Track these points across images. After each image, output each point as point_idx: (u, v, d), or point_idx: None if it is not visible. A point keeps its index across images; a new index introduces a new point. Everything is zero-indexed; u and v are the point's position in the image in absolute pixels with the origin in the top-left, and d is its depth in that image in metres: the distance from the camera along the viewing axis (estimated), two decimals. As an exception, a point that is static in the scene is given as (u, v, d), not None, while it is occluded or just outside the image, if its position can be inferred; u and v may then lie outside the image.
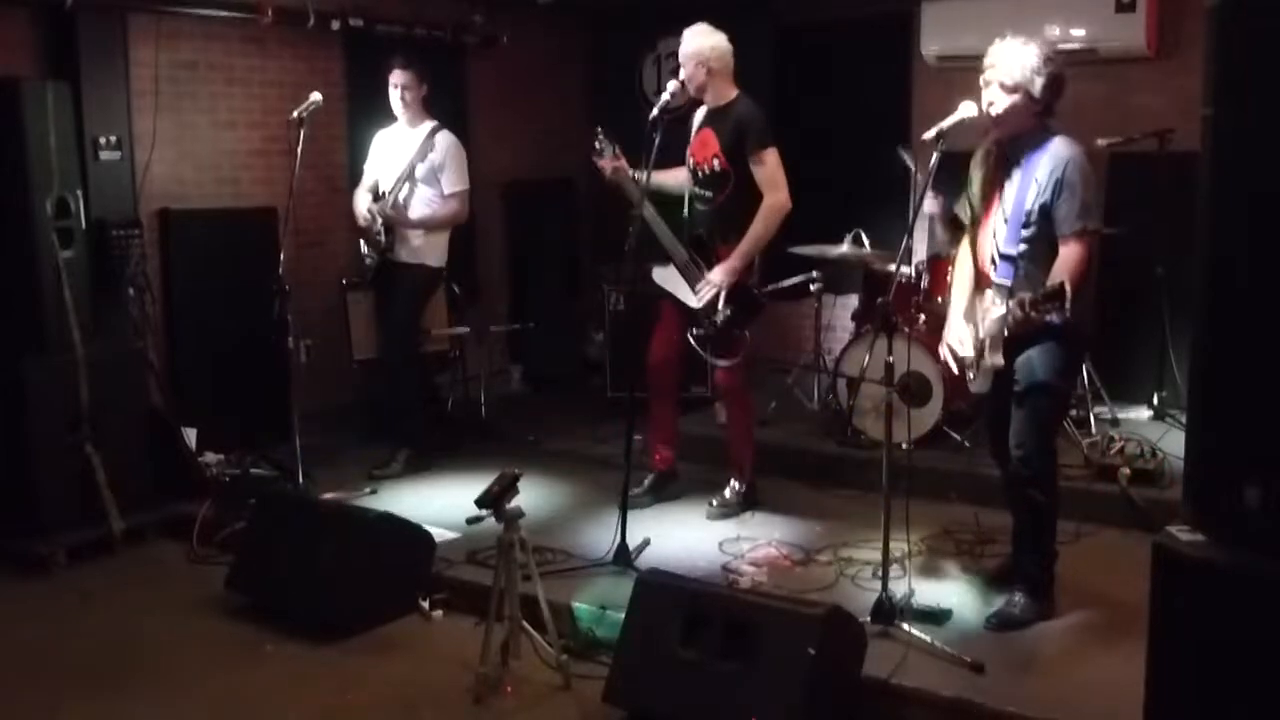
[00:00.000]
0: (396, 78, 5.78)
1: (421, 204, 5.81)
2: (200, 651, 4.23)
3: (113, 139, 5.76)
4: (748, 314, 4.98)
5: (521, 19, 7.72)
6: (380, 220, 5.80)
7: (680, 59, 4.97)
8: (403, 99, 5.80)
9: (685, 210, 5.16)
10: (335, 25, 6.62)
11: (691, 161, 5.10)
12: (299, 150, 5.41)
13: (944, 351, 4.09)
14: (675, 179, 5.19)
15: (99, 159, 5.69)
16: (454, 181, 5.81)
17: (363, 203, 5.92)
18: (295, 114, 5.45)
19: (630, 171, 5.04)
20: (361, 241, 6.00)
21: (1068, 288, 3.48)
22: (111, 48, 5.80)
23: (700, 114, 5.12)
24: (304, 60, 6.68)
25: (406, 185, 5.78)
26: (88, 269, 5.32)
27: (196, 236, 6.21)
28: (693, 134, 5.11)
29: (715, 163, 4.97)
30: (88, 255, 5.33)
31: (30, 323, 5.10)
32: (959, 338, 4.01)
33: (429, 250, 5.86)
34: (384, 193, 5.81)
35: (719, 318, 4.91)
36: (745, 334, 4.98)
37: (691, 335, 4.99)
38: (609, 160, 5.09)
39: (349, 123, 6.88)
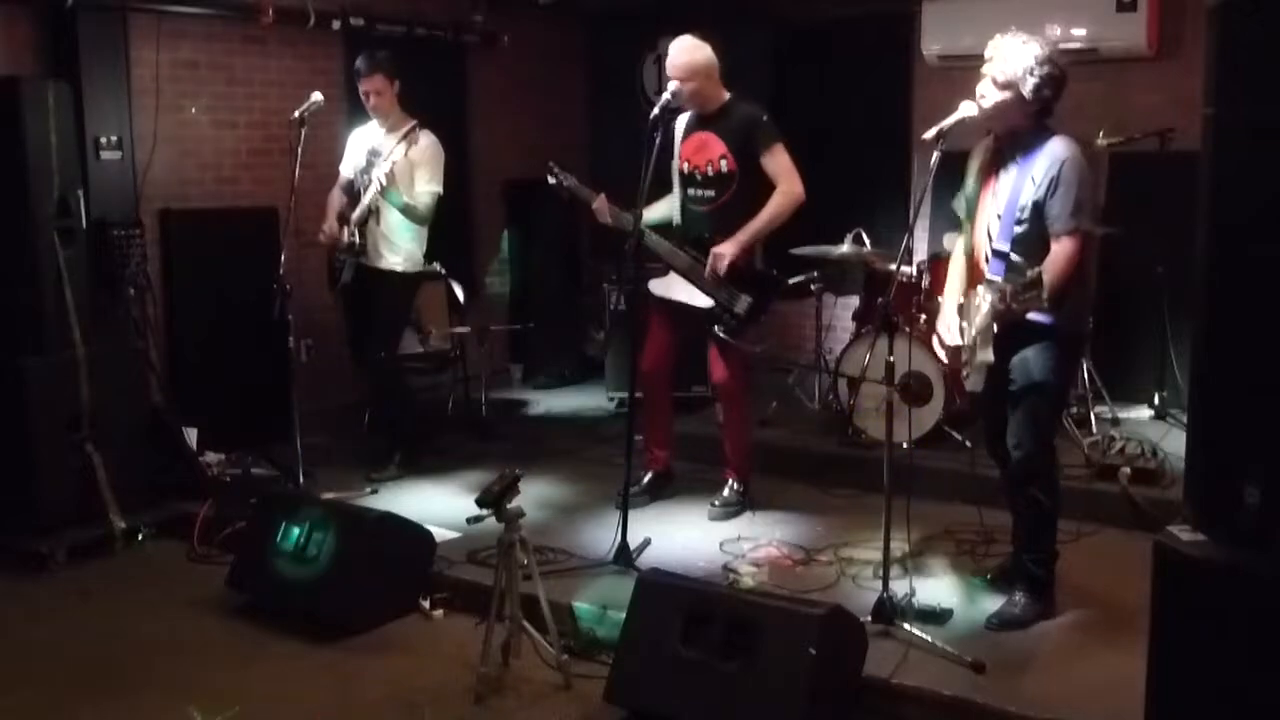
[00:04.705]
0: (363, 85, 5.57)
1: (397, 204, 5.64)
2: (200, 651, 4.22)
3: (113, 138, 5.76)
4: (767, 295, 5.00)
5: (521, 18, 7.73)
6: (349, 229, 5.61)
7: (675, 72, 4.89)
8: (376, 106, 5.61)
9: (679, 216, 5.15)
10: (336, 25, 6.63)
11: (686, 166, 5.08)
12: (299, 150, 5.40)
13: (935, 342, 4.13)
14: (665, 206, 5.19)
15: (100, 158, 5.70)
16: (427, 181, 5.63)
17: (335, 205, 5.78)
18: (296, 114, 5.43)
19: (621, 211, 5.07)
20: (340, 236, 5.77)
21: (1045, 277, 3.46)
22: (112, 47, 5.80)
23: (687, 119, 5.10)
24: (304, 60, 6.69)
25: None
26: (88, 268, 5.32)
27: (197, 236, 6.21)
28: (679, 139, 5.09)
29: (722, 164, 4.97)
30: (88, 255, 5.33)
31: (30, 322, 5.10)
32: (947, 324, 4.07)
33: (403, 255, 5.70)
34: (359, 190, 5.67)
35: (740, 308, 4.92)
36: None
37: (719, 332, 4.96)
38: (604, 205, 5.10)
39: (349, 122, 6.84)
